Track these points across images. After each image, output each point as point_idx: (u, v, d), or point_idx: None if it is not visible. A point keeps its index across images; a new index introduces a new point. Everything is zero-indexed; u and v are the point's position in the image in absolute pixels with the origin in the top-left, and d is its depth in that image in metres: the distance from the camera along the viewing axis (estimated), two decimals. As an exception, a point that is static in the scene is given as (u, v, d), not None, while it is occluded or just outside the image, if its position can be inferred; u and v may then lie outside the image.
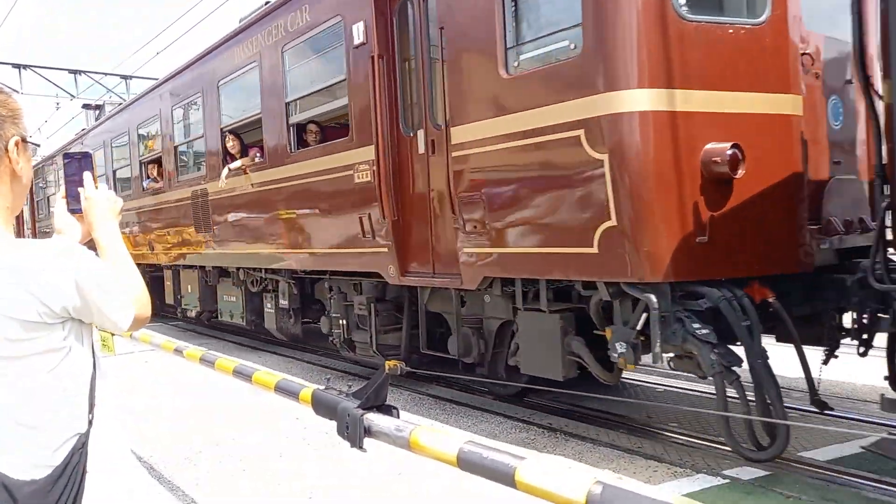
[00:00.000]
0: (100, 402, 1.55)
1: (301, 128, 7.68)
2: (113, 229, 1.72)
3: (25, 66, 21.91)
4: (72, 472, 1.44)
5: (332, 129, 7.86)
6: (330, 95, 7.23)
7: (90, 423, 1.50)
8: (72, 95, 23.10)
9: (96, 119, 18.62)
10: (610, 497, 2.16)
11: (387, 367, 3.55)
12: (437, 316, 6.47)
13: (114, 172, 13.77)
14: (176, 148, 10.74)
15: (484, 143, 5.12)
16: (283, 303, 8.54)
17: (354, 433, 3.26)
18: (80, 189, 1.75)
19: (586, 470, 4.42)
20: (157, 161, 11.57)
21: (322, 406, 3.64)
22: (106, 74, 23.76)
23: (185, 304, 11.47)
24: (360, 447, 3.27)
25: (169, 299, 12.10)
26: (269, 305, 8.91)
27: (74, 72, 23.04)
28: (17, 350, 1.40)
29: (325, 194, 7.08)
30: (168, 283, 12.08)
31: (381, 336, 6.86)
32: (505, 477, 2.49)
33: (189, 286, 11.22)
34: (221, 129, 9.04)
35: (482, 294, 5.69)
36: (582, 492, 2.20)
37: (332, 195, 6.96)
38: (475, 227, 5.24)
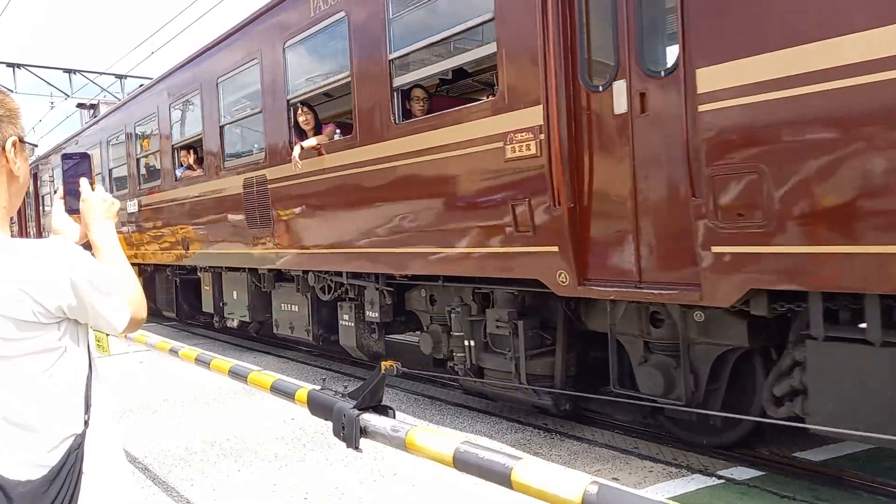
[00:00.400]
0: (100, 403, 1.55)
1: (404, 94, 6.07)
2: (109, 230, 1.73)
3: (20, 66, 21.91)
4: (67, 472, 1.44)
5: (443, 99, 6.60)
6: (462, 44, 5.58)
7: (86, 423, 1.49)
8: (66, 95, 23.13)
9: (91, 117, 18.51)
10: (605, 497, 2.17)
11: (383, 367, 3.55)
12: (588, 336, 5.10)
13: (137, 161, 11.95)
14: (222, 128, 8.85)
15: (770, 86, 3.46)
16: (372, 315, 6.79)
17: (350, 433, 3.27)
18: (79, 190, 1.76)
19: (582, 470, 4.42)
20: (194, 146, 9.95)
21: (318, 406, 3.65)
22: (101, 74, 23.82)
23: (229, 313, 9.62)
24: (356, 447, 3.28)
25: (207, 307, 10.22)
26: (346, 318, 7.17)
27: (69, 71, 23.08)
28: (12, 349, 1.40)
29: (451, 177, 5.39)
30: (206, 288, 10.15)
31: (529, 363, 5.22)
32: (501, 477, 2.50)
33: (234, 292, 9.34)
34: (289, 101, 7.33)
35: (690, 312, 4.30)
36: (578, 492, 2.21)
37: (463, 177, 5.29)
38: (740, 215, 3.64)
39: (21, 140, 1.56)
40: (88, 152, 2.05)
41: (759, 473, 4.31)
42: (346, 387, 3.66)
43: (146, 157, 11.79)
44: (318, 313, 7.82)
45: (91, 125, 15.15)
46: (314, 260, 7.25)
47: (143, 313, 1.64)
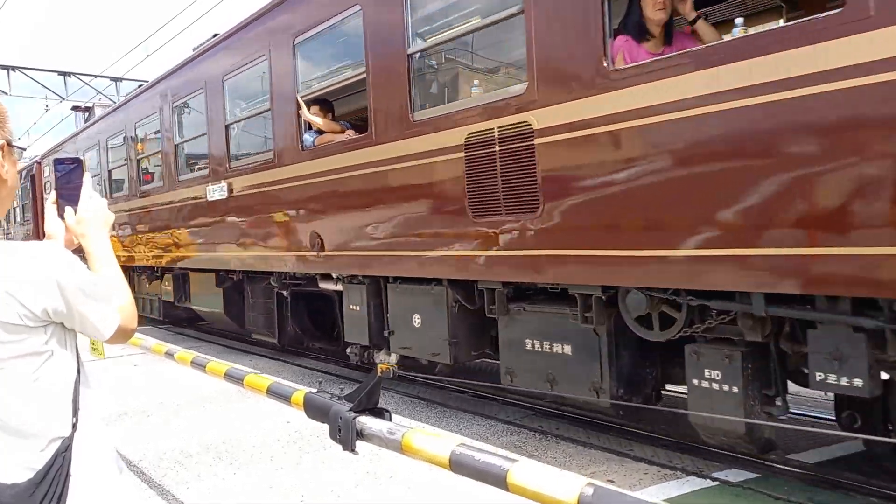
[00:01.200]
0: (89, 406, 1.55)
1: None
2: (105, 240, 1.75)
3: (14, 68, 21.87)
4: (54, 475, 1.44)
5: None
6: None
7: (74, 426, 1.49)
8: (61, 97, 23.09)
9: (86, 121, 18.42)
10: (601, 499, 2.19)
11: (379, 370, 3.56)
12: None
13: (226, 129, 8.37)
14: (411, 57, 5.52)
15: None
16: (846, 380, 3.33)
17: (347, 436, 3.28)
18: (78, 197, 1.77)
19: (576, 473, 4.44)
20: (327, 99, 7.07)
21: (314, 409, 3.66)
22: (96, 76, 23.76)
23: (402, 347, 6.14)
24: (353, 450, 3.29)
25: (356, 335, 6.64)
26: (714, 375, 3.95)
27: (64, 74, 23.03)
28: None
29: None
30: (354, 308, 6.61)
31: None
32: (497, 479, 2.51)
33: (416, 316, 5.90)
34: None
35: None
36: (573, 494, 2.22)
37: None
38: None
39: (9, 144, 1.56)
40: (82, 157, 2.05)
41: (753, 475, 4.33)
42: (342, 389, 3.68)
43: (246, 120, 8.30)
44: (618, 361, 4.57)
45: (153, 85, 10.80)
46: (678, 270, 3.82)
47: (133, 324, 1.64)
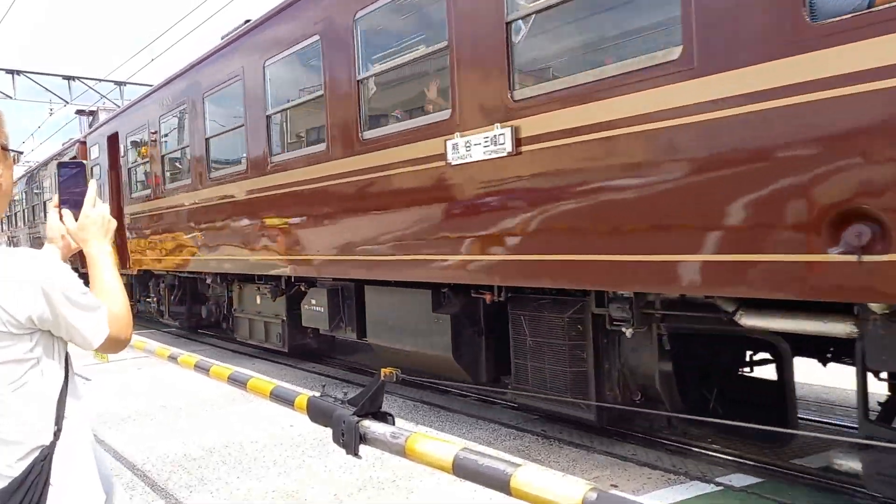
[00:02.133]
0: (76, 416, 1.54)
1: None
2: (105, 246, 1.74)
3: (19, 72, 22.00)
4: (31, 483, 1.42)
5: None
6: None
7: (55, 435, 1.47)
8: (65, 101, 23.18)
9: (90, 125, 18.40)
10: None
11: (382, 374, 3.57)
12: None
13: (507, 28, 4.56)
14: None
15: None
16: None
17: (350, 440, 3.28)
18: (81, 202, 1.77)
19: (580, 477, 4.43)
20: None
21: (317, 413, 3.67)
22: (100, 81, 23.87)
23: None
24: (356, 454, 3.29)
25: None
26: None
27: (68, 78, 23.14)
28: None
29: None
30: None
31: None
32: (500, 483, 2.51)
33: None
34: None
35: None
36: (577, 498, 2.22)
37: None
38: None
39: (3, 148, 1.55)
40: (84, 162, 2.05)
41: (757, 480, 4.32)
42: (345, 393, 3.68)
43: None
44: None
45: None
46: None
47: (127, 333, 1.62)
